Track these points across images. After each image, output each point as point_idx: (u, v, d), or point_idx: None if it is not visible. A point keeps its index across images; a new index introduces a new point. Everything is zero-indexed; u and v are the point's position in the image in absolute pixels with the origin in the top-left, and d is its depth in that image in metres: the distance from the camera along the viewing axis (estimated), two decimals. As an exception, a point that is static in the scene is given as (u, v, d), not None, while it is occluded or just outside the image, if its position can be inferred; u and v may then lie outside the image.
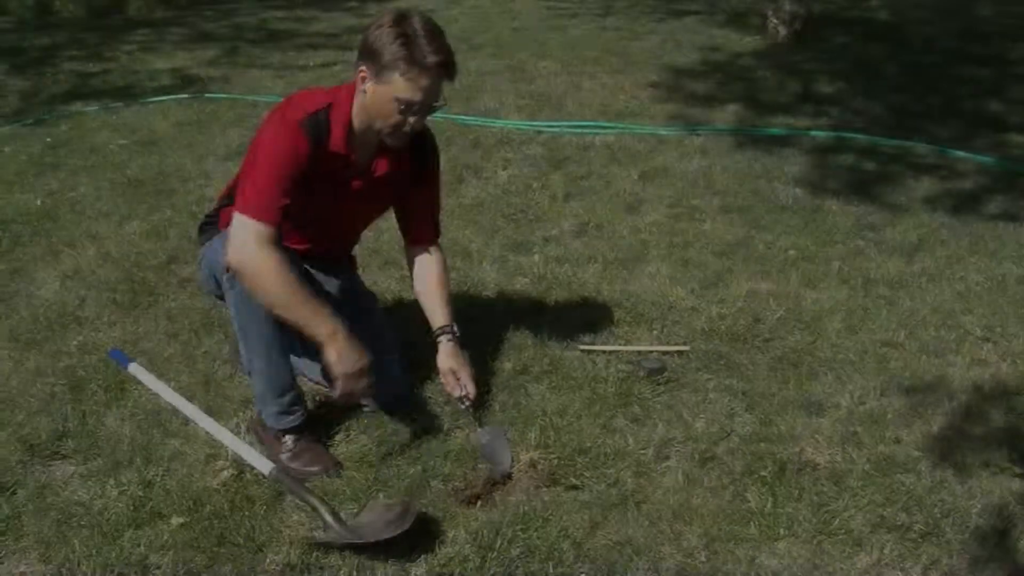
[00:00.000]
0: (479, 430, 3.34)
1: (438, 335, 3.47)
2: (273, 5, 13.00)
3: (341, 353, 2.99)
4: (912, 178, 6.18)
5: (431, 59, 2.97)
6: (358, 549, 2.82)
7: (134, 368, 3.75)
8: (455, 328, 3.50)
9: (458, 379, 3.41)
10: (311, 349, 3.33)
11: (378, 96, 3.05)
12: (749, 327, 4.17)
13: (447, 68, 3.03)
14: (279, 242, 3.00)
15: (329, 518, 2.88)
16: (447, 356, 3.44)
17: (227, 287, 3.12)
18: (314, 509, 2.95)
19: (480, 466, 3.22)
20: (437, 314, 3.51)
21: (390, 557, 2.80)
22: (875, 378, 3.82)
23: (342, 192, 3.30)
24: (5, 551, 2.87)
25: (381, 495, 3.10)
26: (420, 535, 2.88)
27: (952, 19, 11.65)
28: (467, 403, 3.38)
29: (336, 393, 3.07)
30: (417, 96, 3.01)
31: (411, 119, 3.08)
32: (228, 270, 3.05)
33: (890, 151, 6.73)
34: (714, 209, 5.58)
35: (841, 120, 7.51)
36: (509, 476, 3.19)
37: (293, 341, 3.29)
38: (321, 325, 2.99)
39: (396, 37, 2.97)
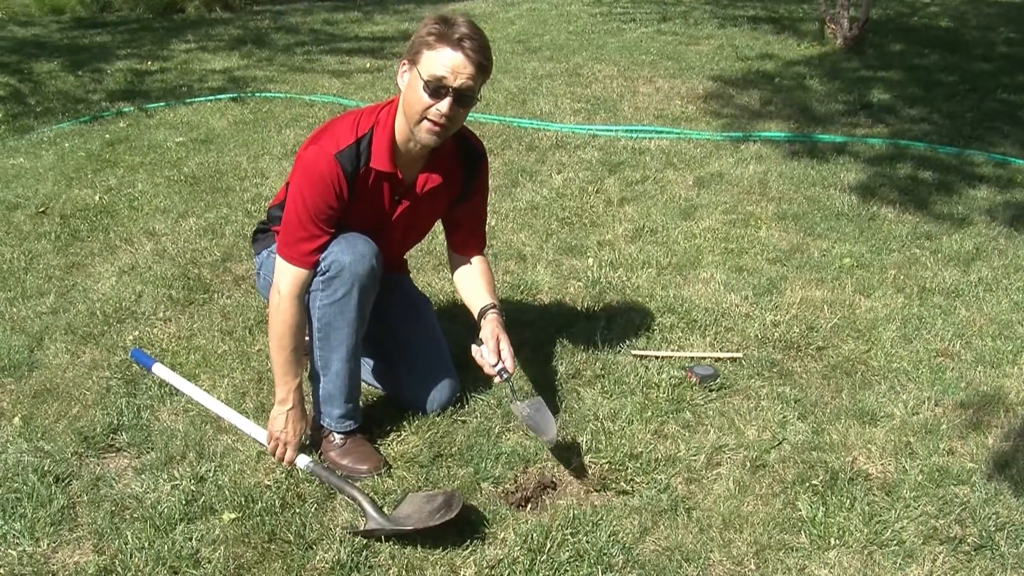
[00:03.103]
0: (518, 403, 3.29)
1: (486, 310, 3.43)
2: (328, 7, 13.10)
3: (278, 418, 3.23)
4: (970, 187, 6.11)
5: (459, 32, 2.96)
6: (406, 540, 2.84)
7: (158, 368, 3.78)
8: (502, 308, 3.48)
9: (498, 348, 3.34)
10: (366, 349, 3.36)
11: (411, 82, 3.05)
12: (803, 335, 4.15)
13: (474, 44, 2.98)
14: (309, 285, 3.16)
15: (370, 508, 2.91)
16: (494, 325, 3.37)
17: (316, 288, 3.15)
18: (354, 500, 2.98)
19: (529, 469, 3.22)
20: (483, 296, 3.48)
21: (439, 557, 2.81)
22: (929, 388, 3.78)
23: (392, 210, 3.31)
24: (60, 541, 2.90)
25: (421, 488, 3.12)
26: (468, 533, 2.89)
27: (1012, 25, 11.53)
28: (506, 375, 3.30)
29: (268, 446, 3.29)
30: (442, 71, 2.97)
31: (439, 105, 3.01)
32: (320, 273, 3.12)
33: (947, 159, 6.67)
34: (769, 216, 5.55)
35: (898, 128, 7.45)
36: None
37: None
38: (283, 387, 3.22)
39: (432, 22, 3.01)
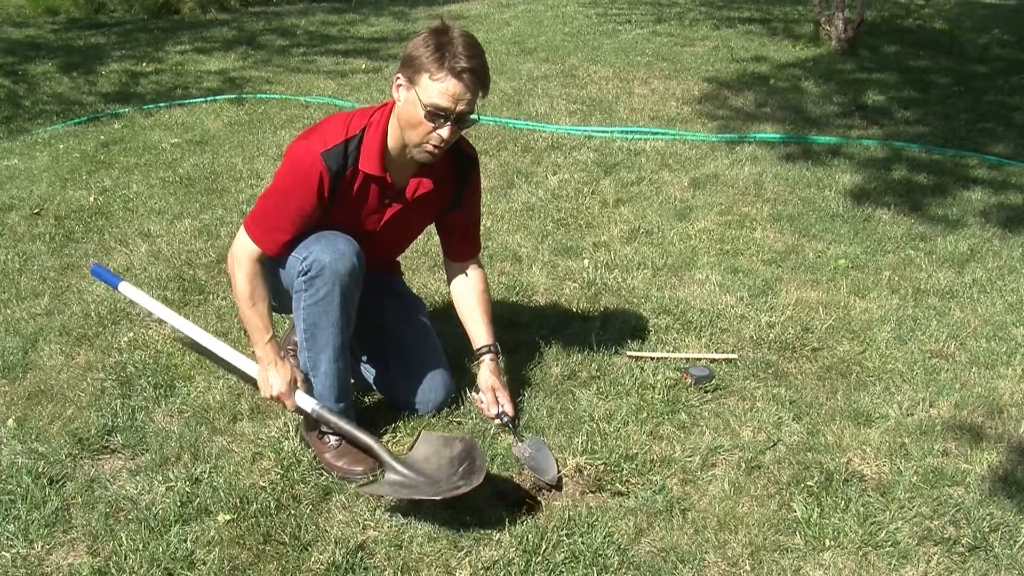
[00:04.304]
0: (520, 444, 3.32)
1: (483, 353, 3.49)
2: (325, 8, 13.09)
3: (264, 379, 3.28)
4: (964, 189, 6.12)
5: (460, 64, 2.92)
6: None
7: (124, 287, 3.87)
8: (498, 347, 3.52)
9: (496, 398, 3.42)
10: (360, 351, 3.37)
11: (408, 103, 3.01)
12: (798, 336, 4.15)
13: (475, 75, 2.95)
14: (267, 259, 3.20)
15: (385, 456, 2.97)
16: (490, 374, 3.45)
17: (299, 288, 3.14)
18: (367, 449, 3.04)
19: (525, 471, 3.22)
20: (480, 332, 3.52)
21: (434, 558, 2.81)
22: (924, 389, 3.78)
23: (381, 213, 3.31)
24: (54, 542, 2.89)
25: (432, 432, 3.14)
26: (464, 534, 2.89)
27: (1006, 27, 11.54)
28: (506, 418, 3.37)
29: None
30: (444, 101, 2.94)
31: (440, 131, 3.00)
32: (301, 273, 3.11)
33: (942, 161, 6.67)
34: (764, 217, 5.56)
35: (892, 129, 7.46)
36: (559, 486, 3.18)
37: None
38: (259, 346, 3.25)
39: (430, 43, 2.95)
